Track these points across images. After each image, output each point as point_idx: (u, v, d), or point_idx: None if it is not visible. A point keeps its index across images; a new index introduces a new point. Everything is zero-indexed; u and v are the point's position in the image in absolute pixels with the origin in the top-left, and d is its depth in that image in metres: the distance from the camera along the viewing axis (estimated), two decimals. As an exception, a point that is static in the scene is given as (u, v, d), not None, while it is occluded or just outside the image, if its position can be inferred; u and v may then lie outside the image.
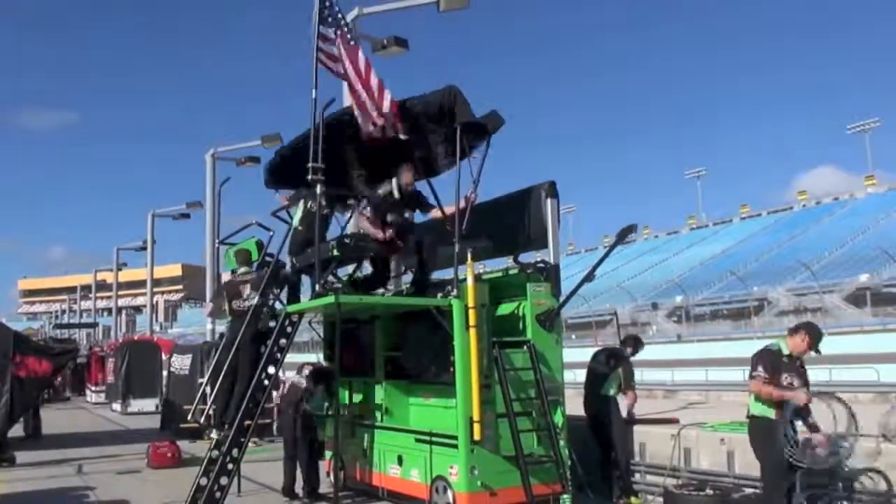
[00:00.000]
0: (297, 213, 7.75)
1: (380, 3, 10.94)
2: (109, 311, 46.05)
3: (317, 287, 7.03)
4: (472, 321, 6.47)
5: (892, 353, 19.40)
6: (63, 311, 66.39)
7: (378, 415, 7.94)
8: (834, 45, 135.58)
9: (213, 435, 7.41)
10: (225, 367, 7.78)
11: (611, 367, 7.71)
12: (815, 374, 21.23)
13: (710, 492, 6.34)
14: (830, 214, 51.71)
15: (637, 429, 7.93)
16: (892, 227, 41.75)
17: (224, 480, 6.85)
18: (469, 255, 6.67)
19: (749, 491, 6.28)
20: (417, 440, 7.10)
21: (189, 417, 11.28)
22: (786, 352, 5.67)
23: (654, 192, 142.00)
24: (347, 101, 7.56)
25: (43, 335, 42.91)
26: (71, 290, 65.43)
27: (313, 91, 7.08)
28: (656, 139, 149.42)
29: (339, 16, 7.15)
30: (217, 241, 9.26)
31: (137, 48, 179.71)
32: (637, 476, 7.62)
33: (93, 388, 25.56)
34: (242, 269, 8.21)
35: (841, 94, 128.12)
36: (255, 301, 7.71)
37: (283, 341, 7.36)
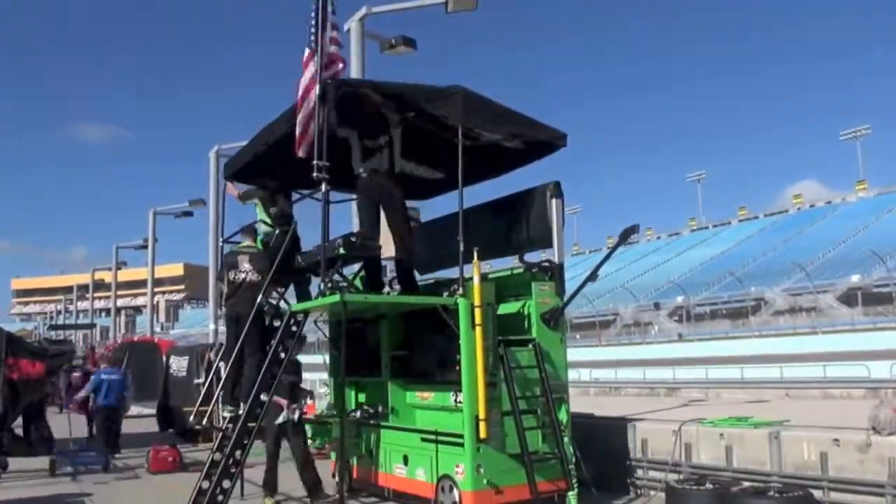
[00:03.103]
0: (260, 212, 8.13)
1: (388, 3, 10.92)
2: (108, 311, 45.70)
3: (321, 286, 7.02)
4: (478, 320, 6.46)
5: (882, 351, 19.65)
6: (58, 312, 65.88)
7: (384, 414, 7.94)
8: (826, 55, 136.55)
9: (226, 414, 7.29)
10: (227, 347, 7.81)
11: None
12: (809, 370, 21.59)
13: (710, 486, 6.38)
14: (824, 217, 52.19)
15: (639, 425, 7.96)
16: (883, 230, 42.17)
17: (226, 483, 6.73)
18: (475, 254, 6.69)
19: (747, 484, 6.33)
20: (423, 439, 7.09)
21: (190, 420, 11.18)
22: None
23: (656, 194, 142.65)
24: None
25: (37, 336, 42.53)
26: (67, 289, 64.90)
27: (316, 87, 7.04)
28: (659, 143, 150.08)
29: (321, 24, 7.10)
30: (221, 239, 9.16)
31: (139, 44, 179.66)
32: (640, 472, 7.64)
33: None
34: (246, 242, 8.10)
35: (834, 103, 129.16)
36: (252, 277, 7.62)
37: (288, 341, 7.34)
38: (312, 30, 6.83)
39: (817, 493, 6.01)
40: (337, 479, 7.31)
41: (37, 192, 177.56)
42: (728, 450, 6.99)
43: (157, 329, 39.08)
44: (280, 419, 7.58)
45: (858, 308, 31.97)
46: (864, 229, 44.15)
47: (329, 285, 6.84)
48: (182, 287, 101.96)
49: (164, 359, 17.45)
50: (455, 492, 6.50)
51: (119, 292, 38.51)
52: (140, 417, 17.47)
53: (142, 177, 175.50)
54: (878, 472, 5.79)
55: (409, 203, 9.60)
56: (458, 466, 6.50)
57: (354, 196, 10.44)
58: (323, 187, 6.85)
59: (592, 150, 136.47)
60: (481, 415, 6.33)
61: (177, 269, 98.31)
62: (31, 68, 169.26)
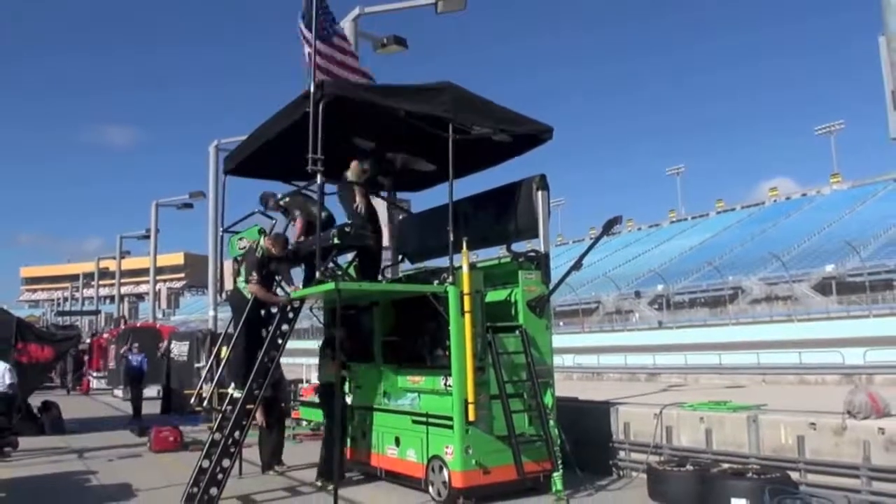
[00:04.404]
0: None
1: (380, 3, 10.81)
2: (112, 298, 45.56)
3: (317, 274, 6.99)
4: (467, 307, 6.46)
5: (855, 338, 19.79)
6: (65, 299, 65.54)
7: (377, 397, 7.93)
8: (802, 52, 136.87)
9: (236, 394, 7.21)
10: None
11: None
12: (785, 357, 21.67)
13: (690, 467, 6.41)
14: (799, 209, 52.40)
15: (622, 409, 7.98)
16: (856, 221, 42.44)
17: (226, 462, 6.77)
18: (465, 244, 6.66)
19: (726, 465, 6.36)
20: (414, 421, 7.09)
21: (192, 401, 11.15)
22: None
23: (637, 188, 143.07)
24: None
25: (45, 322, 42.37)
26: (73, 277, 64.54)
27: (311, 85, 6.97)
28: (639, 138, 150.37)
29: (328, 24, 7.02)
30: (220, 229, 9.15)
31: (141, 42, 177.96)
32: (622, 454, 7.67)
33: (94, 375, 25.25)
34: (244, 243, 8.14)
35: (810, 99, 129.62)
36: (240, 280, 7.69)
37: (284, 327, 7.32)
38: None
39: (794, 475, 6.03)
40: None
41: (56, 187, 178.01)
42: (707, 433, 7.01)
43: (159, 315, 38.88)
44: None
45: (833, 297, 32.21)
46: (839, 221, 44.43)
47: (324, 273, 6.81)
48: (182, 275, 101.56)
49: (166, 343, 17.39)
50: (444, 471, 6.51)
51: (123, 280, 38.31)
52: (143, 399, 17.42)
53: (150, 171, 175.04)
54: (854, 455, 5.81)
55: (401, 195, 9.57)
56: (447, 447, 6.51)
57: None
58: (318, 179, 6.81)
59: (575, 144, 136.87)
60: (470, 398, 6.34)
61: (177, 258, 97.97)
62: (42, 71, 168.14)
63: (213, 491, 6.60)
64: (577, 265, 7.26)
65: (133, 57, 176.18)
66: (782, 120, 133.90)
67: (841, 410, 6.11)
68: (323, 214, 7.54)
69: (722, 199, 62.31)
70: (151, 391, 17.67)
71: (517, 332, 6.93)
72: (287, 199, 8.16)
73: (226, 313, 10.71)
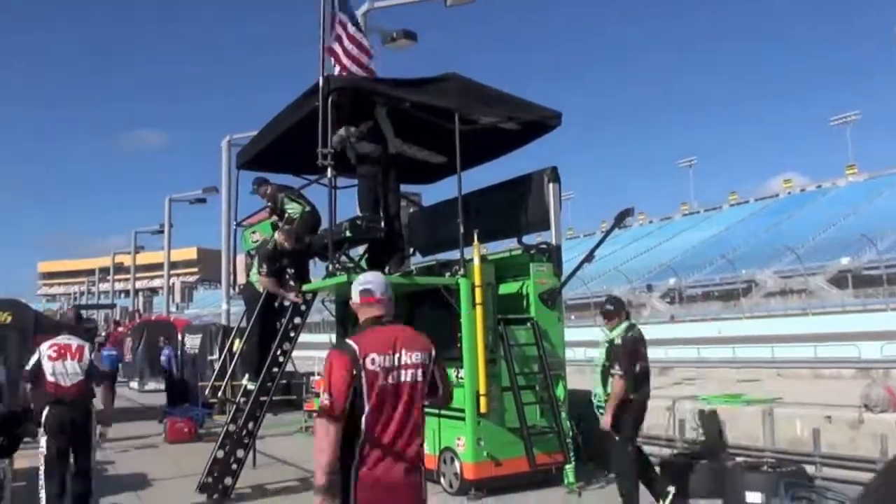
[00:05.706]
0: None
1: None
2: (127, 292, 46.06)
3: (329, 267, 7.01)
4: (478, 299, 6.46)
5: (871, 332, 19.52)
6: (81, 293, 66.39)
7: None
8: (813, 45, 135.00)
9: (250, 386, 7.26)
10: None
11: None
12: (800, 351, 21.26)
13: (704, 461, 6.36)
14: (814, 201, 51.72)
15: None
16: (872, 213, 41.79)
17: (240, 453, 6.85)
18: (476, 237, 6.64)
19: (740, 459, 6.30)
20: (425, 413, 7.07)
21: (206, 393, 11.25)
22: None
23: (648, 180, 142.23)
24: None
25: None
26: (89, 272, 65.36)
27: (320, 79, 6.98)
28: (650, 130, 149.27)
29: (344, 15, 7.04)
30: (234, 223, 9.23)
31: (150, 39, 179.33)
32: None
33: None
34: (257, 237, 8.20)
35: (823, 89, 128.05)
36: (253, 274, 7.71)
37: (297, 319, 7.35)
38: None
39: (810, 469, 5.98)
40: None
41: (85, 186, 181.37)
42: (722, 426, 6.96)
43: (173, 309, 39.31)
44: None
45: (849, 290, 31.77)
46: (855, 213, 43.81)
47: (336, 266, 6.83)
48: (195, 270, 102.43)
49: (180, 337, 17.56)
50: (456, 463, 6.52)
51: (137, 275, 38.71)
52: (157, 392, 17.58)
53: (170, 169, 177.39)
54: (870, 449, 5.77)
55: (412, 188, 9.56)
56: (459, 439, 6.52)
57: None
58: (328, 173, 6.82)
59: (585, 138, 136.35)
60: (481, 390, 6.34)
61: (190, 253, 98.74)
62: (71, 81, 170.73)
63: (228, 481, 6.68)
64: (589, 257, 7.21)
65: (143, 59, 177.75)
66: (796, 111, 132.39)
67: (857, 404, 6.04)
68: (306, 209, 7.55)
69: (735, 191, 61.64)
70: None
71: (529, 324, 6.91)
72: (267, 190, 7.99)
73: (238, 307, 10.77)
